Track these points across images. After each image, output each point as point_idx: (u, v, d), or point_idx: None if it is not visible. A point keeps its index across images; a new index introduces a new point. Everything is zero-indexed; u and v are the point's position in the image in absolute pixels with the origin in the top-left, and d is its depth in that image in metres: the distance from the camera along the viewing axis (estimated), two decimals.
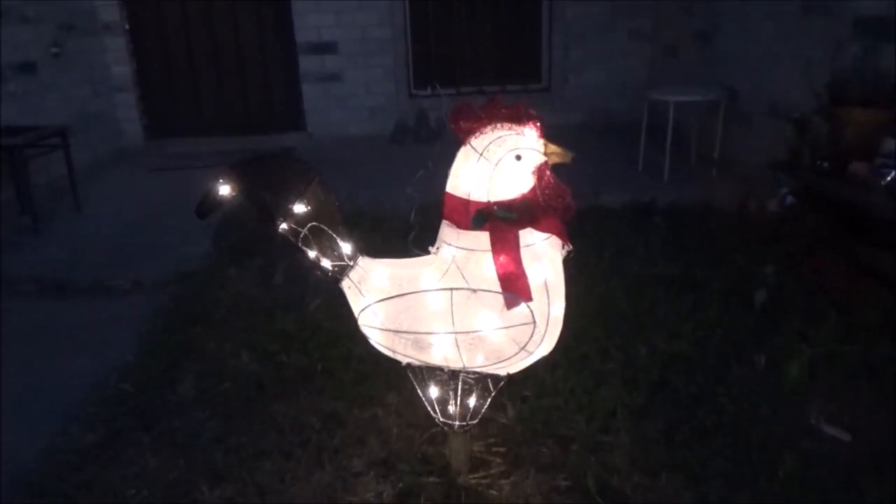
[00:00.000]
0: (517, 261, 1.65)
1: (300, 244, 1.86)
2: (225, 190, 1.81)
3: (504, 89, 6.50)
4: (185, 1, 6.19)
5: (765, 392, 2.38)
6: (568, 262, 1.79)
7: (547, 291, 1.71)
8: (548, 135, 1.67)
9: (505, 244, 1.65)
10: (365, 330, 1.86)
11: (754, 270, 3.25)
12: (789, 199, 3.89)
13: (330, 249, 1.88)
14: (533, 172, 1.67)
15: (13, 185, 4.29)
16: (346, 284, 1.88)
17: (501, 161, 1.64)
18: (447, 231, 1.75)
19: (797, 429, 2.21)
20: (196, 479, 2.03)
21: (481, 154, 1.64)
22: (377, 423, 2.29)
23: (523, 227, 1.67)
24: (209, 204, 1.83)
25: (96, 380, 2.58)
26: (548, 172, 1.67)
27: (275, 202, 1.83)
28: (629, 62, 6.39)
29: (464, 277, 1.71)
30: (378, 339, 1.85)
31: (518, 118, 1.63)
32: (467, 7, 6.34)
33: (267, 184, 1.82)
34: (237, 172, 1.81)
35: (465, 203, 1.67)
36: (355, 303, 1.88)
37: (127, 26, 6.14)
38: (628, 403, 2.31)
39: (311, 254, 1.87)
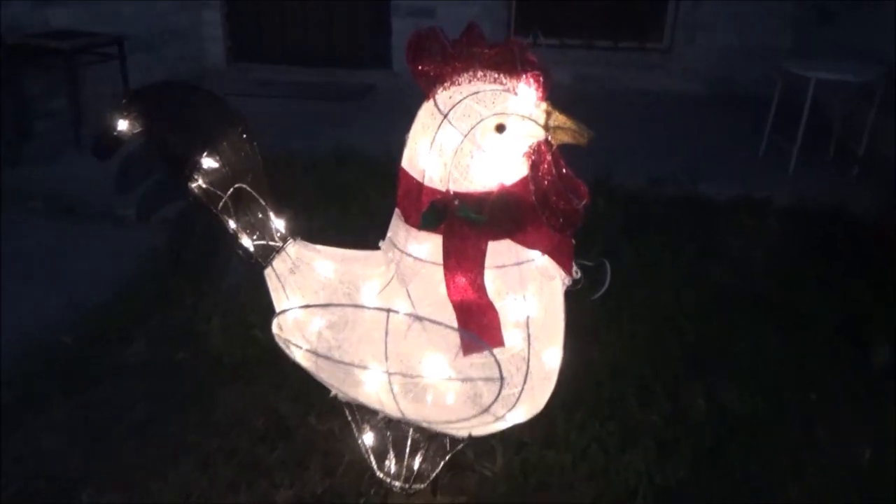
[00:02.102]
0: (479, 286, 1.08)
1: (219, 211, 1.37)
2: (122, 125, 1.34)
3: (616, 46, 5.67)
4: None
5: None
6: (618, 271, 1.20)
7: (529, 335, 1.13)
8: (576, 107, 1.06)
9: (463, 259, 1.07)
10: (280, 341, 1.36)
11: (884, 312, 2.45)
12: None
13: (254, 224, 1.38)
14: (525, 154, 1.07)
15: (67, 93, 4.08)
16: (268, 274, 1.38)
17: (475, 130, 1.05)
18: (396, 225, 1.20)
19: None
20: (83, 479, 1.65)
21: (445, 116, 1.06)
22: (331, 441, 1.82)
23: (497, 236, 1.09)
24: (106, 141, 1.37)
25: (53, 322, 2.26)
26: (549, 156, 1.07)
27: (182, 148, 1.34)
28: (769, 23, 5.34)
29: (409, 297, 1.16)
30: (297, 357, 1.34)
31: (508, 64, 1.03)
32: None
33: (172, 122, 1.33)
34: (136, 103, 1.33)
35: (418, 188, 1.11)
36: (276, 301, 1.38)
37: None
38: (659, 481, 1.69)
39: (231, 225, 1.38)
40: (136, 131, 1.34)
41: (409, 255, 1.14)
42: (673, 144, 4.40)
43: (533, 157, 1.06)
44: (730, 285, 2.70)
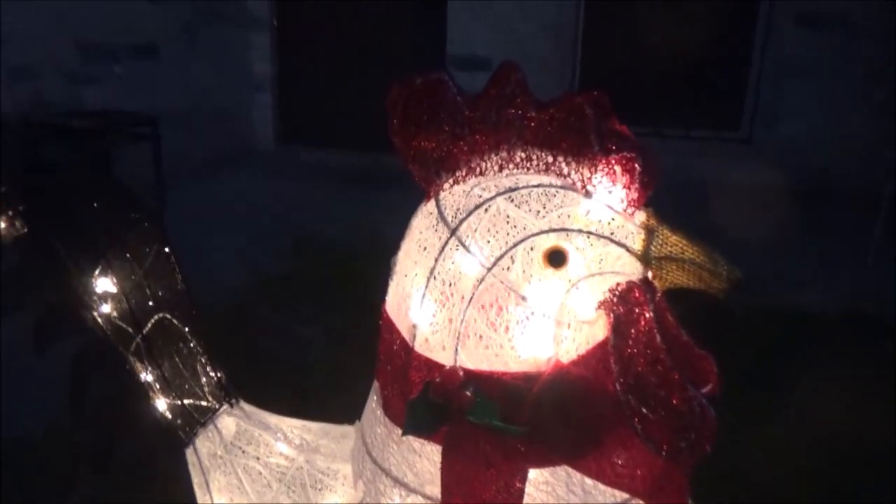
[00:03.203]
0: None
1: (130, 354, 0.91)
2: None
3: (688, 134, 5.19)
4: (338, 7, 5.66)
5: None
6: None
7: None
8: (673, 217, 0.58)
9: (475, 498, 0.56)
10: None
11: None
12: None
13: (176, 377, 0.91)
14: (604, 306, 0.57)
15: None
16: (189, 456, 0.89)
17: (508, 259, 0.56)
18: (371, 410, 0.70)
19: None
20: None
21: (454, 232, 0.58)
22: None
23: (545, 461, 0.57)
24: None
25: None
26: (648, 312, 0.56)
27: (77, 261, 0.89)
28: (867, 110, 4.78)
29: None
30: None
31: (574, 138, 0.54)
32: (651, 26, 5.14)
33: (61, 223, 0.89)
34: (13, 192, 0.90)
35: (405, 354, 0.61)
36: (198, 498, 0.88)
37: (275, 23, 5.73)
38: None
39: (146, 377, 0.91)
40: (17, 233, 0.91)
41: (385, 473, 0.63)
42: (760, 245, 3.82)
43: (618, 312, 0.56)
44: (850, 434, 2.07)
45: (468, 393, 0.56)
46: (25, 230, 0.90)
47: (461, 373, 0.56)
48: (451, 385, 0.56)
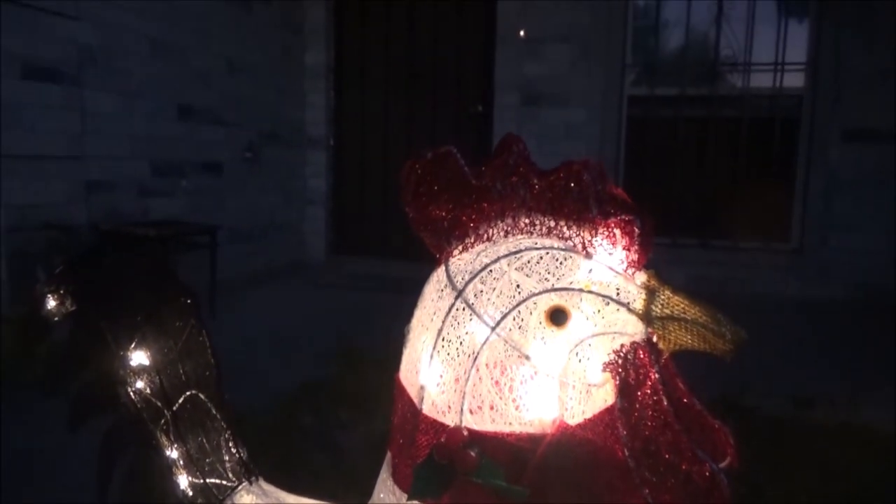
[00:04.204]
0: None
1: (158, 430, 0.93)
2: (51, 303, 0.97)
3: (737, 246, 5.14)
4: (390, 125, 6.02)
5: None
6: None
7: None
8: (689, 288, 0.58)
9: None
10: None
11: None
12: None
13: (199, 455, 0.92)
14: (609, 367, 0.57)
15: None
16: None
17: (512, 319, 0.57)
18: (382, 479, 0.70)
19: None
20: None
21: (460, 293, 0.60)
22: None
23: None
24: (35, 320, 1.00)
25: None
26: (654, 373, 0.56)
27: (115, 336, 0.94)
28: None
29: None
30: None
31: (574, 203, 0.57)
32: (696, 140, 5.25)
33: (105, 301, 0.95)
34: (65, 276, 0.97)
35: (413, 418, 0.62)
36: None
37: (331, 142, 6.09)
38: None
39: (172, 454, 0.92)
40: (67, 311, 0.97)
41: None
42: (817, 359, 3.67)
43: (623, 374, 0.56)
44: None
45: (472, 454, 0.55)
46: (74, 308, 0.96)
47: (465, 432, 0.56)
48: (455, 445, 0.56)
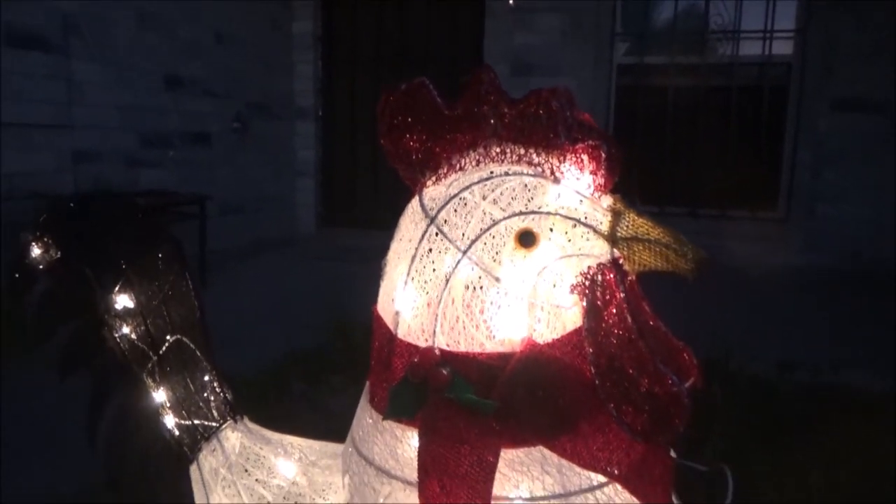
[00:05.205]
0: None
1: (145, 374, 0.95)
2: (35, 251, 0.99)
3: (724, 214, 5.18)
4: (379, 95, 5.99)
5: None
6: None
7: None
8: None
9: (454, 479, 0.57)
10: None
11: None
12: None
13: (185, 396, 0.94)
14: (576, 289, 0.59)
15: None
16: (194, 472, 0.91)
17: (482, 243, 0.59)
18: (361, 407, 0.72)
19: None
20: None
21: (432, 220, 0.61)
22: None
23: (519, 440, 0.58)
24: (20, 271, 1.01)
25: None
26: (619, 293, 0.58)
27: (99, 280, 0.95)
28: None
29: None
30: None
31: (543, 130, 0.58)
32: (685, 109, 5.25)
33: (89, 247, 0.96)
34: (48, 224, 0.98)
35: (389, 343, 0.64)
36: None
37: (320, 113, 6.06)
38: None
39: (158, 396, 0.94)
40: (52, 259, 0.98)
41: (370, 464, 0.64)
42: (801, 325, 3.72)
43: (590, 294, 0.58)
44: None
45: (444, 372, 0.57)
46: (58, 256, 0.97)
47: (438, 352, 0.58)
48: (428, 364, 0.58)
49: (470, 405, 0.56)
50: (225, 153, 5.04)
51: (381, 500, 0.62)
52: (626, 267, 0.58)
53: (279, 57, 5.74)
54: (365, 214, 6.18)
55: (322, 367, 3.18)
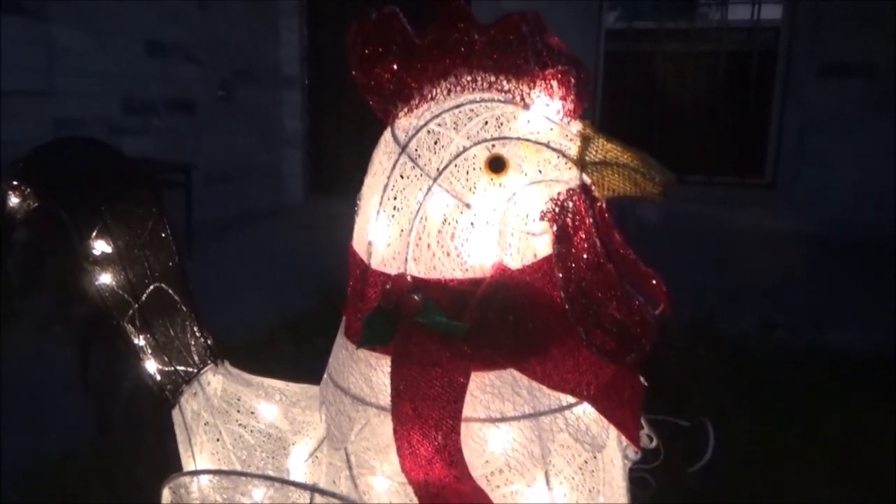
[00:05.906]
0: (454, 455, 0.57)
1: (126, 321, 0.95)
2: (13, 200, 0.98)
3: (711, 180, 5.19)
4: None
5: None
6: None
7: None
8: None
9: (426, 402, 0.58)
10: None
11: None
12: None
13: (166, 342, 0.94)
14: (546, 214, 0.59)
15: None
16: (176, 416, 0.92)
17: (452, 170, 0.59)
18: (335, 345, 0.73)
19: None
20: None
21: (403, 149, 0.62)
22: None
23: (490, 363, 0.59)
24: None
25: None
26: (588, 218, 0.59)
27: (76, 226, 0.95)
28: (892, 160, 4.75)
29: (348, 464, 0.66)
30: None
31: (513, 57, 0.58)
32: (673, 74, 5.23)
33: (67, 193, 0.96)
34: (24, 172, 0.97)
35: (363, 274, 0.64)
36: (182, 458, 0.90)
37: (306, 81, 5.99)
38: None
39: (139, 342, 0.95)
40: (29, 208, 0.97)
41: (346, 393, 0.65)
42: (784, 288, 3.76)
43: (560, 220, 0.58)
44: (875, 474, 1.97)
45: (416, 297, 0.58)
46: (36, 205, 0.96)
47: (409, 278, 0.59)
48: (399, 290, 0.58)
49: (441, 328, 0.57)
50: (210, 121, 4.98)
51: (357, 428, 0.63)
52: (596, 193, 0.59)
53: (264, 24, 5.65)
54: (353, 183, 6.14)
55: (310, 331, 3.19)
